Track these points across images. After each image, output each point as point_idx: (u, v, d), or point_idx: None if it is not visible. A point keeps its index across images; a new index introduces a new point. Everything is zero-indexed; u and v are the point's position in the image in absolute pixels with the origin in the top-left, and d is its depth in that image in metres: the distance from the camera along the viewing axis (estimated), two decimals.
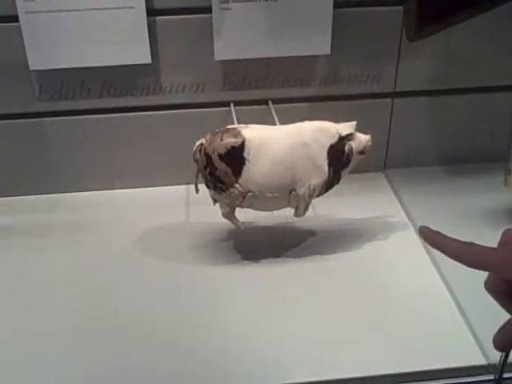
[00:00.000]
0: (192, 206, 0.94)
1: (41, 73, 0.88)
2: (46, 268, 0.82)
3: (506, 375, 0.65)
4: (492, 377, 0.67)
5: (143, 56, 0.87)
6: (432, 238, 0.53)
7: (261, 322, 0.73)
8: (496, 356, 0.65)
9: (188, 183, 0.96)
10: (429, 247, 0.81)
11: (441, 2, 0.82)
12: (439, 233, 0.53)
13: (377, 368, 0.67)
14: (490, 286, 0.52)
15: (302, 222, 0.87)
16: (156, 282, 0.80)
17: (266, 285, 0.79)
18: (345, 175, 0.81)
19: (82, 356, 0.69)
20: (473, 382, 0.66)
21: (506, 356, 0.64)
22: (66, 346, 0.70)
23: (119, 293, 0.78)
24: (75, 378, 0.67)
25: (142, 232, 0.88)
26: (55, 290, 0.79)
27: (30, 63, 0.85)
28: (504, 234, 0.51)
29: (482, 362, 0.67)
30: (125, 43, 0.86)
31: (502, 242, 0.51)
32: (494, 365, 0.66)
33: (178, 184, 0.97)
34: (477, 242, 0.50)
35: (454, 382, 0.66)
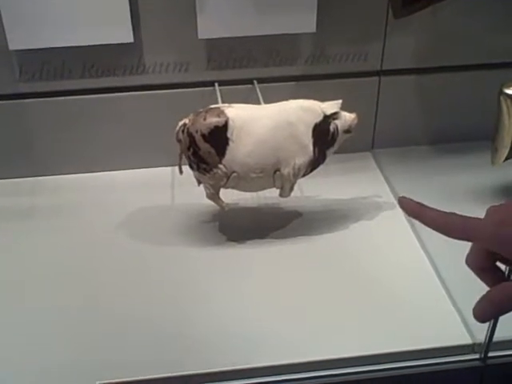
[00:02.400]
0: (177, 187, 0.93)
1: (21, 53, 0.86)
2: (27, 251, 0.81)
3: (491, 354, 0.66)
4: (477, 356, 0.66)
5: (125, 35, 0.85)
6: (411, 208, 0.52)
7: (246, 303, 0.72)
8: (481, 335, 0.65)
9: (173, 165, 0.94)
10: (415, 227, 0.82)
11: None
12: (418, 203, 0.52)
13: (361, 349, 0.66)
14: (471, 262, 0.52)
15: (288, 203, 0.86)
16: (140, 265, 0.79)
17: (252, 266, 0.78)
18: (330, 155, 0.80)
19: (63, 340, 0.68)
20: (458, 361, 0.66)
21: (492, 335, 0.64)
22: (46, 330, 0.70)
23: (102, 276, 0.77)
24: (55, 363, 0.66)
25: (125, 214, 0.87)
26: (37, 273, 0.78)
27: (9, 43, 0.84)
28: (487, 210, 0.50)
29: (468, 341, 0.67)
30: (106, 22, 0.84)
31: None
32: (480, 344, 0.66)
33: (162, 166, 0.95)
34: None
35: (440, 361, 0.66)
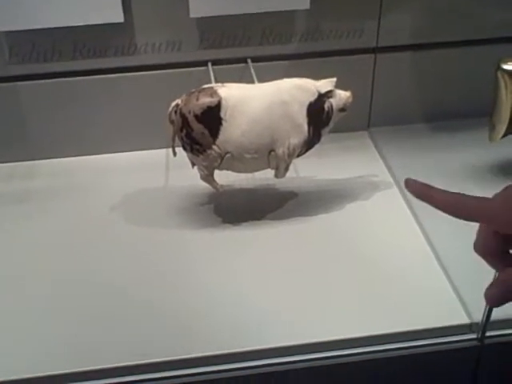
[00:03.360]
0: (172, 169, 0.92)
1: (10, 34, 0.85)
2: (23, 235, 0.81)
3: (488, 334, 0.65)
4: (475, 335, 0.66)
5: (115, 15, 0.84)
6: (418, 190, 0.51)
7: (241, 285, 0.72)
8: (479, 315, 0.65)
9: (167, 147, 0.92)
10: (413, 206, 0.81)
11: None
12: (426, 184, 0.51)
13: (359, 330, 0.66)
14: (480, 248, 0.51)
15: (284, 184, 0.85)
16: (135, 247, 0.78)
17: (247, 248, 0.77)
18: (325, 134, 0.79)
19: (60, 323, 0.68)
20: (455, 341, 0.66)
21: (489, 315, 0.63)
22: (42, 313, 0.69)
23: (98, 258, 0.77)
24: (52, 346, 0.66)
25: (120, 197, 0.86)
26: (34, 256, 0.77)
27: None
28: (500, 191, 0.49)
29: (465, 320, 0.66)
30: (96, 2, 0.83)
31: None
32: (477, 324, 0.65)
33: (156, 148, 0.94)
34: None
35: (437, 341, 0.65)
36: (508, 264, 0.49)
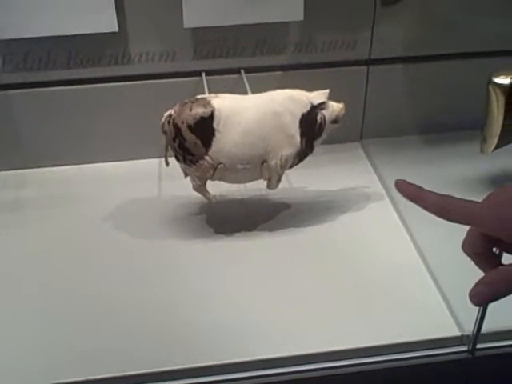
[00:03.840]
0: (164, 179, 0.92)
1: (4, 42, 0.85)
2: (15, 244, 0.81)
3: (479, 346, 0.65)
4: (466, 348, 0.66)
5: (110, 24, 0.84)
6: (409, 191, 0.51)
7: (234, 295, 0.72)
8: (470, 327, 0.65)
9: (160, 156, 0.92)
10: (404, 217, 0.82)
11: None
12: (415, 185, 0.51)
13: (350, 342, 0.66)
14: (468, 248, 0.51)
15: (276, 195, 0.85)
16: (128, 257, 0.78)
17: (240, 258, 0.77)
18: (318, 145, 0.79)
19: (52, 331, 0.68)
20: (446, 353, 0.66)
21: (480, 327, 0.63)
22: (34, 322, 0.69)
23: (90, 268, 0.76)
24: (45, 351, 0.66)
25: (113, 206, 0.86)
26: (25, 266, 0.77)
27: None
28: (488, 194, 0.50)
29: (456, 333, 0.66)
30: (90, 11, 0.83)
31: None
32: (468, 336, 0.66)
33: (149, 157, 0.94)
34: None
35: (428, 353, 0.65)
36: (494, 265, 0.50)
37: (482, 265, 0.51)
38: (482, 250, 0.51)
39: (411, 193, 0.51)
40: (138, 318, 0.69)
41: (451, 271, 0.71)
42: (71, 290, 0.73)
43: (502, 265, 0.50)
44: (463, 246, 0.52)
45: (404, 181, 0.52)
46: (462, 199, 0.49)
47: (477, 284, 0.48)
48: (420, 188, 0.51)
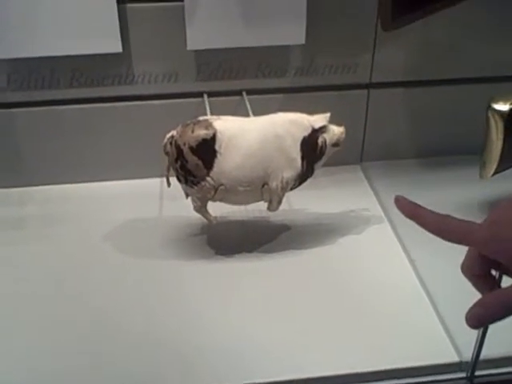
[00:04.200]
0: (165, 199, 0.92)
1: (9, 62, 0.85)
2: (16, 261, 0.81)
3: (478, 373, 0.65)
4: (464, 374, 0.66)
5: (114, 45, 0.85)
6: (407, 209, 0.52)
7: (233, 317, 0.72)
8: (468, 354, 0.65)
9: (161, 176, 0.93)
10: (403, 241, 0.82)
11: None
12: (415, 203, 0.52)
13: (348, 366, 0.66)
14: (467, 269, 0.52)
15: (277, 216, 0.86)
16: (128, 277, 0.78)
17: (240, 280, 0.77)
18: (318, 168, 0.79)
19: (53, 348, 0.68)
20: (445, 379, 0.66)
21: (478, 353, 0.63)
22: (35, 340, 0.69)
23: (90, 287, 0.77)
24: (44, 371, 0.65)
25: (114, 226, 0.87)
26: (26, 283, 0.77)
27: None
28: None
29: (455, 359, 0.66)
30: (95, 32, 0.84)
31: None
32: (467, 362, 0.65)
33: (151, 177, 0.95)
34: None
35: (427, 380, 0.65)
36: (492, 287, 0.50)
37: (480, 287, 0.51)
38: (480, 272, 0.51)
39: (410, 210, 0.51)
40: (137, 338, 0.69)
41: (450, 296, 0.71)
42: (71, 309, 0.73)
43: (500, 287, 0.50)
44: (462, 268, 0.52)
45: (403, 197, 0.52)
46: (460, 219, 0.49)
47: (473, 306, 0.48)
48: (418, 206, 0.51)
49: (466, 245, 0.50)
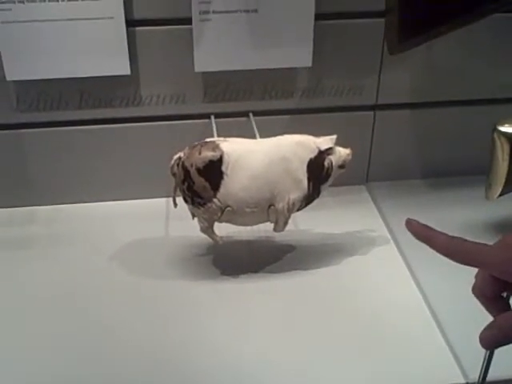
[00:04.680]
0: (171, 219, 0.93)
1: (18, 83, 0.87)
2: (23, 280, 0.81)
3: None
4: None
5: (122, 67, 0.86)
6: (419, 232, 0.52)
7: (239, 337, 0.72)
8: (475, 375, 0.65)
9: (168, 196, 0.94)
10: (410, 262, 0.82)
11: (422, 14, 0.82)
12: (426, 226, 0.52)
13: None
14: (478, 291, 0.52)
15: (282, 237, 0.86)
16: (134, 297, 0.78)
17: (246, 300, 0.78)
18: (325, 189, 0.80)
19: (56, 368, 0.68)
20: None
21: (485, 375, 0.63)
22: (40, 358, 0.69)
23: (97, 307, 0.77)
24: None
25: (120, 245, 0.87)
26: (33, 303, 0.77)
27: (6, 74, 0.84)
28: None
29: (461, 380, 0.66)
30: (104, 54, 0.85)
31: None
32: None
33: (157, 197, 0.95)
34: None
35: None
36: (503, 308, 0.50)
37: (490, 308, 0.51)
38: (491, 293, 0.51)
39: (420, 233, 0.51)
40: (143, 356, 0.69)
41: (456, 317, 0.71)
42: (77, 328, 0.73)
43: (511, 309, 0.50)
44: (473, 289, 0.52)
45: (415, 221, 0.52)
46: (472, 241, 0.49)
47: (487, 328, 0.48)
48: (430, 228, 0.51)
49: (478, 267, 0.50)
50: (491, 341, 0.49)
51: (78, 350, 0.71)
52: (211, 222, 0.78)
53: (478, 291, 0.52)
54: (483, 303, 0.52)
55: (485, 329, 0.48)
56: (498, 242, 0.49)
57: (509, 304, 0.51)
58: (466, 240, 0.50)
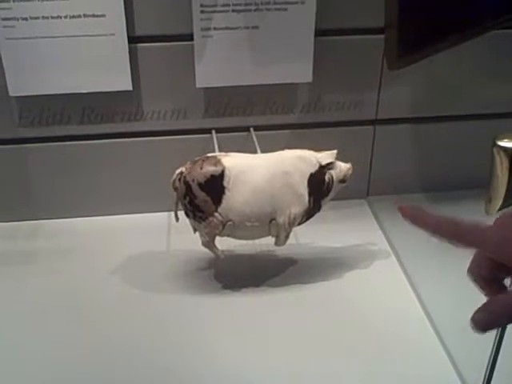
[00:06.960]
0: (173, 233, 0.93)
1: (21, 99, 0.87)
2: (26, 295, 0.81)
3: None
4: None
5: (124, 83, 0.87)
6: (413, 215, 0.50)
7: (241, 351, 0.72)
8: None
9: (169, 210, 0.95)
10: (410, 276, 0.82)
11: (421, 30, 0.83)
12: (419, 208, 0.51)
13: None
14: (474, 271, 0.51)
15: (283, 251, 0.86)
16: (136, 311, 0.79)
17: (247, 314, 0.78)
18: (325, 204, 0.80)
19: (58, 382, 0.68)
20: None
21: None
22: (43, 372, 0.69)
23: (99, 320, 0.77)
24: None
25: (122, 259, 0.87)
26: (35, 316, 0.78)
27: (9, 89, 0.85)
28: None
29: None
30: (106, 70, 0.86)
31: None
32: None
33: (159, 211, 0.96)
34: (458, 271, 0.49)
35: None
36: (498, 290, 0.49)
37: (486, 289, 0.50)
38: (487, 275, 0.50)
39: (414, 216, 0.50)
40: (144, 371, 0.70)
41: (458, 330, 0.70)
42: (79, 342, 0.74)
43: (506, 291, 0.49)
44: (469, 269, 0.51)
45: (406, 205, 0.51)
46: (467, 222, 0.48)
47: (479, 310, 0.47)
48: (423, 210, 0.50)
49: (474, 247, 0.49)
50: (483, 324, 0.47)
51: (79, 364, 0.71)
52: (213, 236, 0.79)
53: (473, 272, 0.50)
54: (478, 284, 0.50)
55: (476, 311, 0.47)
56: (495, 221, 0.48)
57: (504, 286, 0.50)
58: (460, 219, 0.48)
